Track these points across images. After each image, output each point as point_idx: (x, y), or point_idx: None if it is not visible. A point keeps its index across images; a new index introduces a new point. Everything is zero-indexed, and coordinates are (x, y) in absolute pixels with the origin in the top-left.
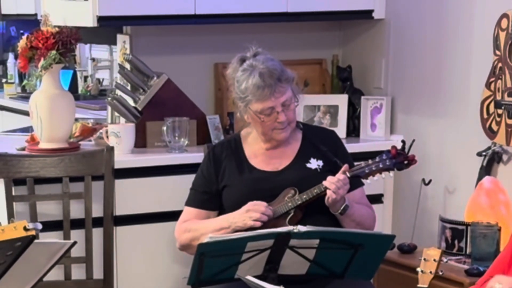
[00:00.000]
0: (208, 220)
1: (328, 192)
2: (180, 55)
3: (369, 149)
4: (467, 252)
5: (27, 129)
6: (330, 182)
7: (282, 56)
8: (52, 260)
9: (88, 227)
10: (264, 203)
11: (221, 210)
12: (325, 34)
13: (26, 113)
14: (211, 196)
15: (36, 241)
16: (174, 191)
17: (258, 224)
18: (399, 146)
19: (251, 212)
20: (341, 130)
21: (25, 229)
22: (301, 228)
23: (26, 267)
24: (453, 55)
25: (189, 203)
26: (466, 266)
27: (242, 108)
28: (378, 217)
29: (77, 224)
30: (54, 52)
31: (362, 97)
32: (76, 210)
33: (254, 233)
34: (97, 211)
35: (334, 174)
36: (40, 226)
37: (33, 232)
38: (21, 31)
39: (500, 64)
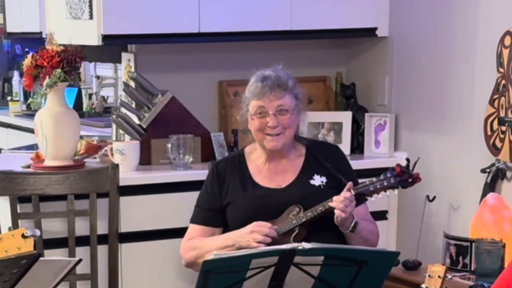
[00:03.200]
0: (212, 237)
1: (336, 211)
2: (184, 73)
3: (373, 166)
4: (472, 268)
5: (32, 147)
6: (337, 202)
7: None
8: (57, 278)
9: (93, 244)
10: (269, 224)
11: (226, 226)
12: (329, 51)
13: (31, 131)
14: (216, 213)
15: (41, 258)
16: (179, 208)
17: (262, 245)
18: (403, 163)
19: (255, 234)
20: (345, 147)
21: (23, 236)
22: (306, 245)
23: (31, 285)
24: (457, 72)
25: (194, 220)
26: (470, 283)
27: (244, 111)
28: (382, 234)
29: (82, 241)
30: (59, 70)
31: (366, 114)
32: (81, 227)
33: (258, 250)
34: (102, 228)
35: (337, 190)
36: (38, 233)
37: (32, 239)
38: (26, 49)
39: (503, 81)
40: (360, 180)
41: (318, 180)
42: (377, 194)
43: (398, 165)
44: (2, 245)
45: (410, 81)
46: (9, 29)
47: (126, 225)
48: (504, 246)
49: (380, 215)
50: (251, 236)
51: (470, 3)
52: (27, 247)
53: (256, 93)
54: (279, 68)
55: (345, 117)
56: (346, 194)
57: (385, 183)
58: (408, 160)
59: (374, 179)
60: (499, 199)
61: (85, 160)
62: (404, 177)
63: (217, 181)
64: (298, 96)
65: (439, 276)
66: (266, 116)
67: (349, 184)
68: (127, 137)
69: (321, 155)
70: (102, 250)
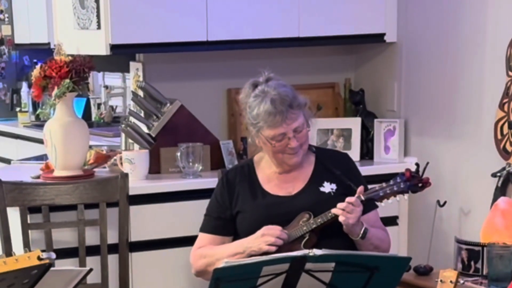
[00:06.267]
0: (223, 245)
1: (340, 218)
2: (193, 81)
3: (383, 171)
4: (484, 273)
5: (42, 157)
6: (338, 208)
7: (294, 80)
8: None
9: (104, 253)
10: (279, 227)
11: (236, 235)
12: (337, 58)
13: (40, 141)
14: (225, 222)
15: (52, 268)
16: (189, 216)
17: (273, 248)
18: (413, 168)
19: (266, 237)
20: (354, 153)
21: (39, 258)
22: (317, 251)
23: None
24: (466, 77)
25: (203, 229)
26: (483, 287)
27: (254, 133)
28: (393, 239)
29: (93, 250)
30: (67, 80)
31: (375, 120)
32: (92, 237)
33: (269, 257)
34: (112, 237)
35: (348, 197)
36: (54, 256)
37: (47, 261)
38: (35, 60)
39: None
40: (370, 186)
41: (328, 187)
42: (387, 199)
43: (408, 170)
44: (18, 266)
45: (419, 86)
46: (17, 41)
47: (136, 234)
48: None
49: (390, 221)
50: (262, 239)
51: (479, 7)
52: None
53: (270, 121)
54: (271, 78)
55: (354, 123)
56: (350, 199)
57: (395, 188)
58: (417, 164)
59: (384, 184)
60: (510, 203)
61: (94, 169)
62: (414, 182)
63: (227, 190)
64: (302, 105)
65: (451, 281)
66: (285, 138)
67: (360, 188)
68: (136, 146)
69: (330, 163)
70: (113, 260)
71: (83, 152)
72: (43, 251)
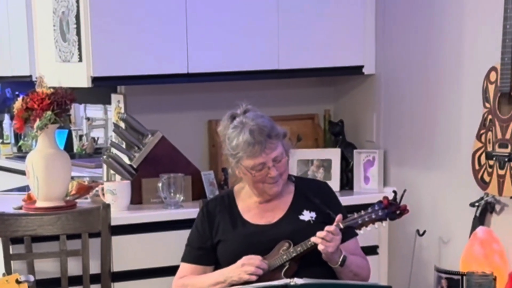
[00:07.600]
0: (204, 275)
1: (319, 247)
2: (174, 113)
3: (363, 201)
4: None
5: (24, 188)
6: (317, 237)
7: (274, 112)
8: None
9: (86, 284)
10: (259, 257)
11: (217, 264)
12: (317, 90)
13: (22, 173)
14: (206, 252)
15: None
16: (171, 246)
17: (254, 278)
18: (390, 196)
19: (246, 266)
20: (334, 184)
21: (17, 282)
22: (298, 280)
23: None
24: (444, 108)
25: (185, 259)
26: None
27: (234, 164)
28: (374, 268)
29: (75, 281)
30: (49, 112)
31: (355, 151)
32: (74, 267)
33: (251, 286)
34: (94, 267)
35: (327, 225)
36: (32, 278)
37: (26, 285)
38: (17, 93)
39: (490, 116)
40: (349, 215)
41: (307, 216)
42: (365, 227)
43: (386, 197)
44: None
45: (397, 117)
46: None
47: (118, 264)
48: (495, 279)
49: (371, 250)
50: (242, 269)
51: (456, 39)
52: None
53: (249, 151)
54: (248, 110)
55: (334, 154)
56: (330, 228)
57: (373, 216)
58: (395, 192)
59: (362, 212)
60: (488, 232)
61: (76, 200)
62: (392, 209)
63: (207, 220)
64: (281, 135)
65: None
66: (264, 168)
67: (338, 216)
68: (118, 177)
69: (309, 191)
70: None
71: (65, 183)
72: None
